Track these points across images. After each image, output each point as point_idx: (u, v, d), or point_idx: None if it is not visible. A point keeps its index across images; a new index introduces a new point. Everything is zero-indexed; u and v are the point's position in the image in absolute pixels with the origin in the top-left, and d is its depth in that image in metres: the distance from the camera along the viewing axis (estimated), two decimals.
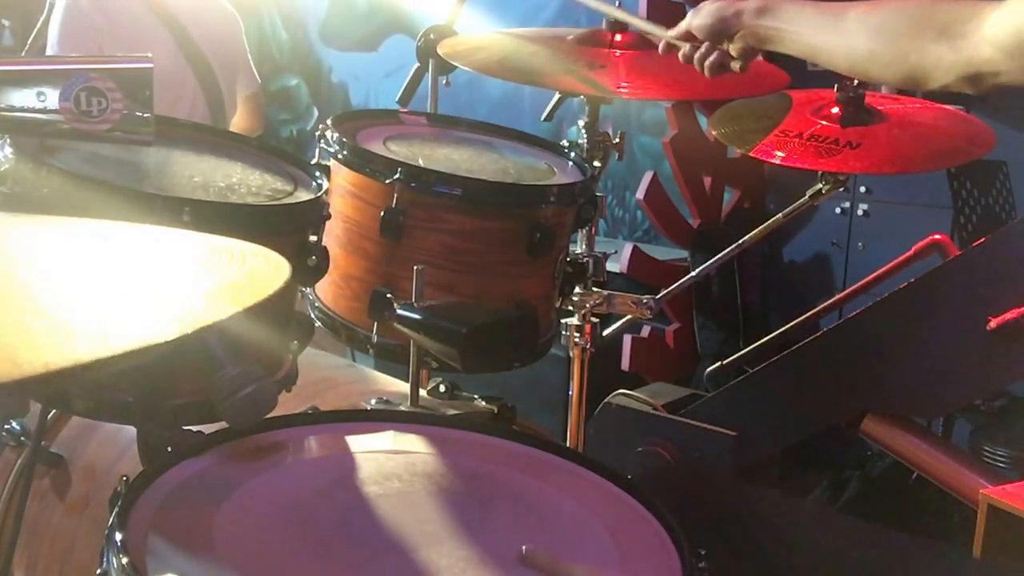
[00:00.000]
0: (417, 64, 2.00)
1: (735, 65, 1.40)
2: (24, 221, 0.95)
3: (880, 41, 1.20)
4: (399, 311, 1.31)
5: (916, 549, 1.47)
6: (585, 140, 1.82)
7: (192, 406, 1.14)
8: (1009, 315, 1.81)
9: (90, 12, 2.35)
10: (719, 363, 2.50)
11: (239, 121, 2.76)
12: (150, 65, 1.12)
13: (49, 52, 2.36)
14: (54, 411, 1.45)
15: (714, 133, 2.05)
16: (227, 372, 1.03)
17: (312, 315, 1.47)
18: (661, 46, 1.49)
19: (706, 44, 1.40)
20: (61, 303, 0.67)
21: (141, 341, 0.60)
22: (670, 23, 2.78)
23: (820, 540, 1.47)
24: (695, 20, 1.40)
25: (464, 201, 1.38)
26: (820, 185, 1.98)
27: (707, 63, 1.41)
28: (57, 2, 2.38)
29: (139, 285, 0.73)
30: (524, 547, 0.93)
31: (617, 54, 1.75)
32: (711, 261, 2.22)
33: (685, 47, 1.44)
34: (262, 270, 0.82)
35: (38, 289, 0.69)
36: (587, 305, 1.84)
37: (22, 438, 1.42)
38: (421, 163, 1.45)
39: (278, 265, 0.83)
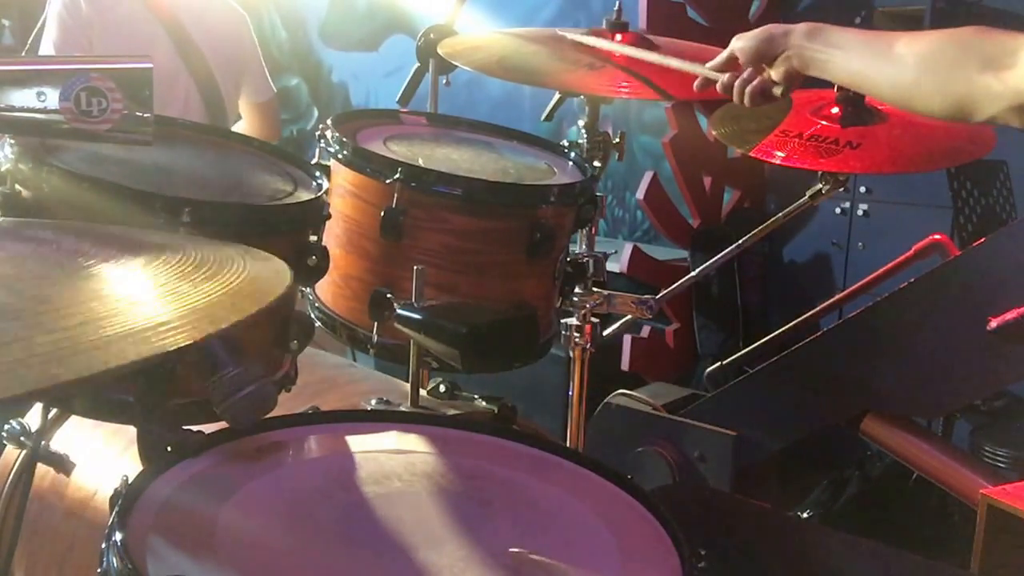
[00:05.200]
0: (417, 64, 2.00)
1: (777, 91, 1.39)
2: (22, 228, 0.95)
3: (926, 71, 1.19)
4: (399, 311, 1.31)
5: (916, 566, 1.47)
6: (585, 140, 1.81)
7: (192, 406, 1.14)
8: (1009, 315, 1.81)
9: (82, 6, 2.35)
10: (719, 363, 2.50)
11: (252, 129, 2.74)
12: (150, 65, 1.13)
13: (43, 47, 2.36)
14: (54, 410, 1.45)
15: (714, 133, 2.05)
16: (227, 372, 1.03)
17: (312, 315, 1.47)
18: (697, 82, 1.48)
19: (748, 71, 1.40)
20: (64, 314, 0.66)
21: (144, 353, 0.60)
22: (670, 23, 2.78)
23: (817, 558, 1.46)
24: (739, 43, 1.40)
25: (464, 201, 1.38)
26: (820, 185, 1.98)
27: (748, 89, 1.39)
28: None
29: (141, 293, 0.73)
30: (511, 550, 0.93)
31: (617, 54, 1.75)
32: (711, 261, 2.22)
33: (724, 77, 1.43)
34: (263, 275, 0.82)
35: (40, 300, 0.69)
36: (587, 305, 1.84)
37: (22, 438, 1.42)
38: (421, 163, 1.45)
39: (279, 271, 0.83)
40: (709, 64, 1.46)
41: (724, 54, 1.43)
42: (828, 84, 1.92)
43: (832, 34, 1.31)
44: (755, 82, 1.39)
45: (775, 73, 1.37)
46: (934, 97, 1.19)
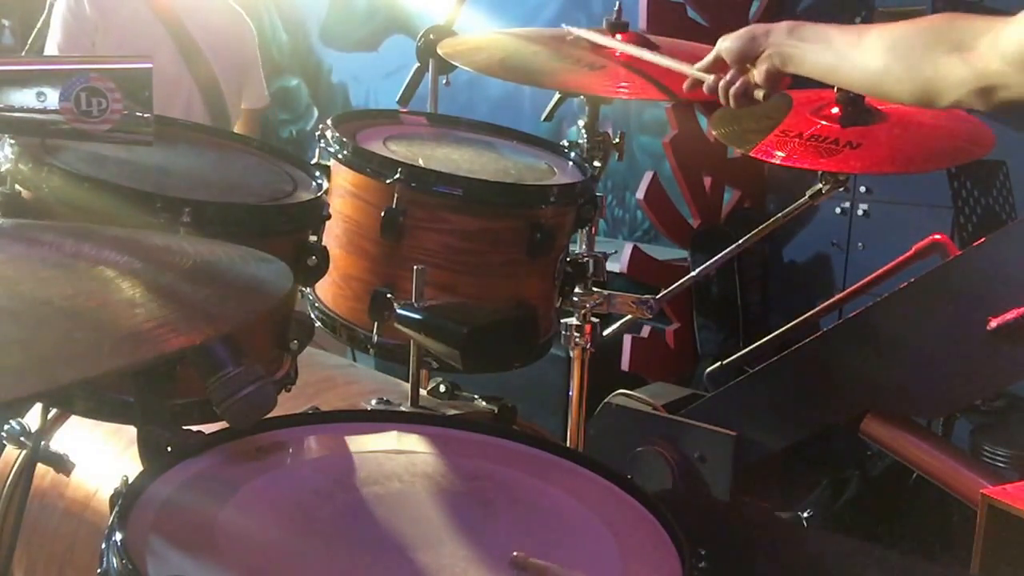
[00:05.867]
0: (417, 64, 2.00)
1: (759, 93, 1.40)
2: (22, 230, 0.95)
3: (894, 57, 1.20)
4: (399, 311, 1.31)
5: (916, 568, 1.47)
6: (585, 140, 1.81)
7: (192, 406, 1.14)
8: (1009, 315, 1.81)
9: (86, 8, 2.35)
10: (719, 363, 2.50)
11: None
12: (150, 65, 1.13)
13: (47, 48, 2.36)
14: (54, 411, 1.45)
15: (714, 133, 2.05)
16: (227, 372, 1.03)
17: (312, 315, 1.47)
18: (686, 84, 1.51)
19: (732, 72, 1.41)
20: (64, 316, 0.66)
21: (144, 354, 0.60)
22: (670, 23, 2.77)
23: (819, 561, 1.46)
24: (724, 43, 1.42)
25: (464, 201, 1.38)
26: (820, 185, 1.98)
27: (732, 91, 1.41)
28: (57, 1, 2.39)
29: (141, 294, 0.73)
30: (515, 553, 0.93)
31: (617, 54, 1.75)
32: (711, 261, 2.22)
33: (709, 79, 1.45)
34: (264, 276, 0.82)
35: (40, 302, 0.69)
36: (587, 305, 1.84)
37: (22, 438, 1.42)
38: (421, 163, 1.45)
39: (280, 271, 0.83)
40: (697, 65, 1.48)
41: (711, 55, 1.45)
42: (827, 84, 1.92)
43: (807, 29, 1.33)
44: (737, 83, 1.41)
45: (758, 73, 1.39)
46: (902, 83, 1.21)
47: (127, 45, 2.39)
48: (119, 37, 2.38)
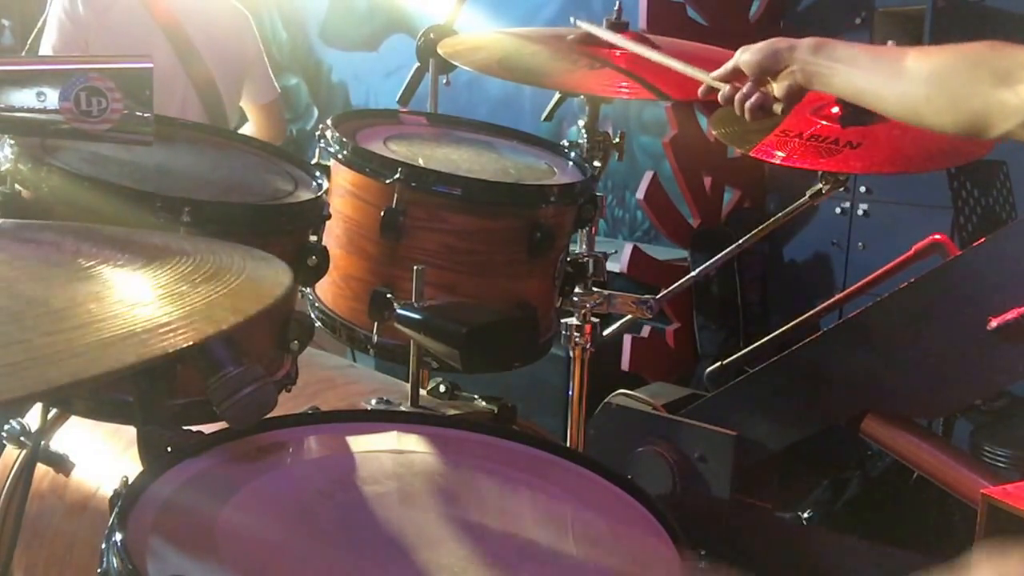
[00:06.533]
0: (417, 64, 2.00)
1: (777, 107, 1.37)
2: (21, 230, 0.95)
3: (936, 86, 1.17)
4: (399, 311, 1.31)
5: (916, 565, 1.47)
6: (585, 140, 1.81)
7: (192, 406, 1.14)
8: (1009, 315, 1.81)
9: (79, 8, 2.35)
10: (719, 363, 2.50)
11: (257, 131, 2.74)
12: (150, 65, 1.13)
13: (42, 49, 2.36)
14: (54, 411, 1.45)
15: (714, 133, 2.04)
16: (227, 372, 1.03)
17: (312, 315, 1.47)
18: (701, 89, 1.48)
19: (749, 85, 1.38)
20: (62, 316, 0.66)
21: (143, 355, 0.60)
22: (670, 23, 2.77)
23: (820, 560, 1.46)
24: (744, 56, 1.38)
25: (464, 201, 1.38)
26: (820, 185, 1.98)
27: (748, 104, 1.38)
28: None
29: (140, 295, 0.73)
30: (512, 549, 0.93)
31: (617, 54, 1.75)
32: (711, 261, 2.22)
33: (725, 88, 1.42)
34: (263, 276, 0.82)
35: (39, 303, 0.69)
36: (587, 305, 1.84)
37: (22, 438, 1.42)
38: (421, 163, 1.45)
39: (279, 271, 0.83)
40: (713, 74, 1.45)
41: (728, 65, 1.42)
42: None
43: (837, 49, 1.29)
44: (755, 97, 1.37)
45: (777, 88, 1.36)
46: (946, 113, 1.17)
47: (121, 44, 2.37)
48: (113, 36, 2.37)
